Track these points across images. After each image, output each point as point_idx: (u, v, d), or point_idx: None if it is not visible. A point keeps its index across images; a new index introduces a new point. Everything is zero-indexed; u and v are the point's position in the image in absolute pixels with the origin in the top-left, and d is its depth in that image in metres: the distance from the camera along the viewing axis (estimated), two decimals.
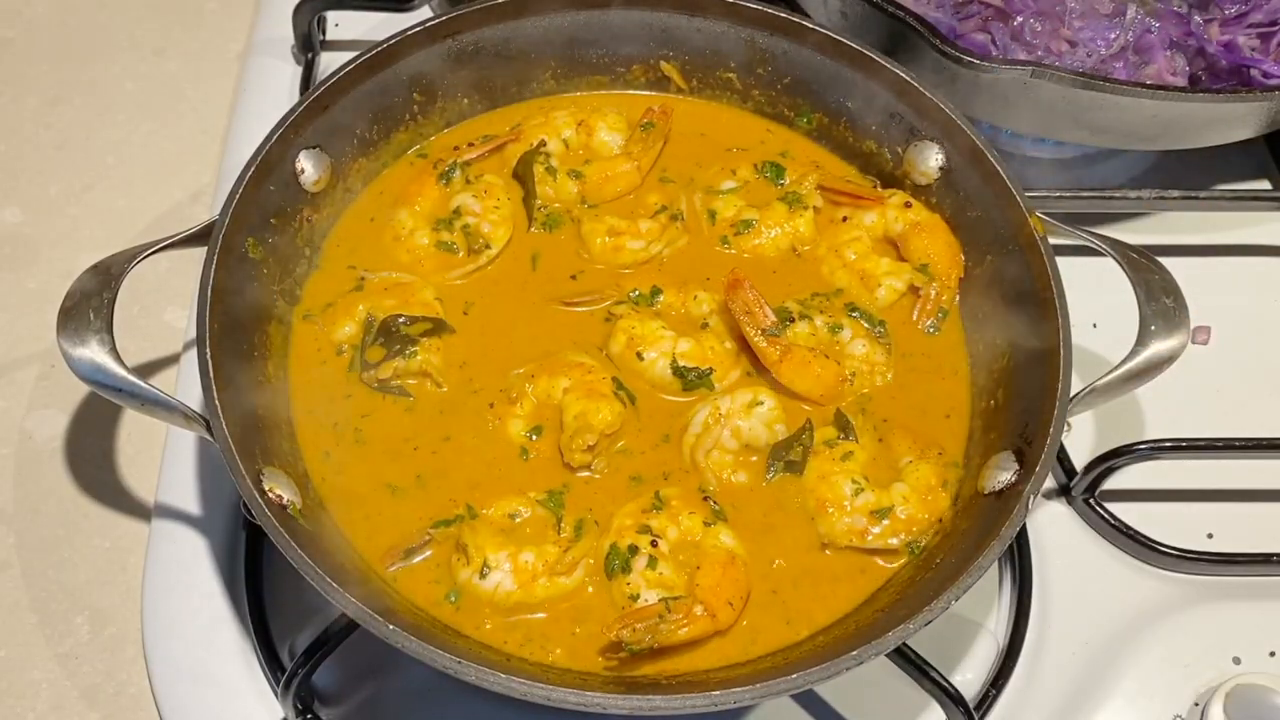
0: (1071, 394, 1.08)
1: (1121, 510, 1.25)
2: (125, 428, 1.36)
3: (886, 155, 1.31)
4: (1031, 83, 1.27)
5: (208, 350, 1.05)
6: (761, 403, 1.14)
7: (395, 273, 1.23)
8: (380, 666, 1.14)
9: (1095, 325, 1.37)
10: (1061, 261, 1.14)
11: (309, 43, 1.58)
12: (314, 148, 1.23)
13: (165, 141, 1.62)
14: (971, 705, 1.08)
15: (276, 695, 1.12)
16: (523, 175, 1.31)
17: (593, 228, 1.26)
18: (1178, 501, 1.29)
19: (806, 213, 1.28)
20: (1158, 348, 1.09)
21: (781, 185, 1.32)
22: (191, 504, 1.23)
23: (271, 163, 1.18)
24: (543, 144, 1.31)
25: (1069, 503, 1.27)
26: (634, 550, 1.06)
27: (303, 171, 1.22)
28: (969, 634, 1.19)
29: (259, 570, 1.18)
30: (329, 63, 1.59)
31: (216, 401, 1.03)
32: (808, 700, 1.15)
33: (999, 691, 1.14)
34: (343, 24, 1.65)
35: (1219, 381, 1.38)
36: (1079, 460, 1.27)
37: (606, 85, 1.39)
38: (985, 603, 1.21)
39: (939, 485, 1.11)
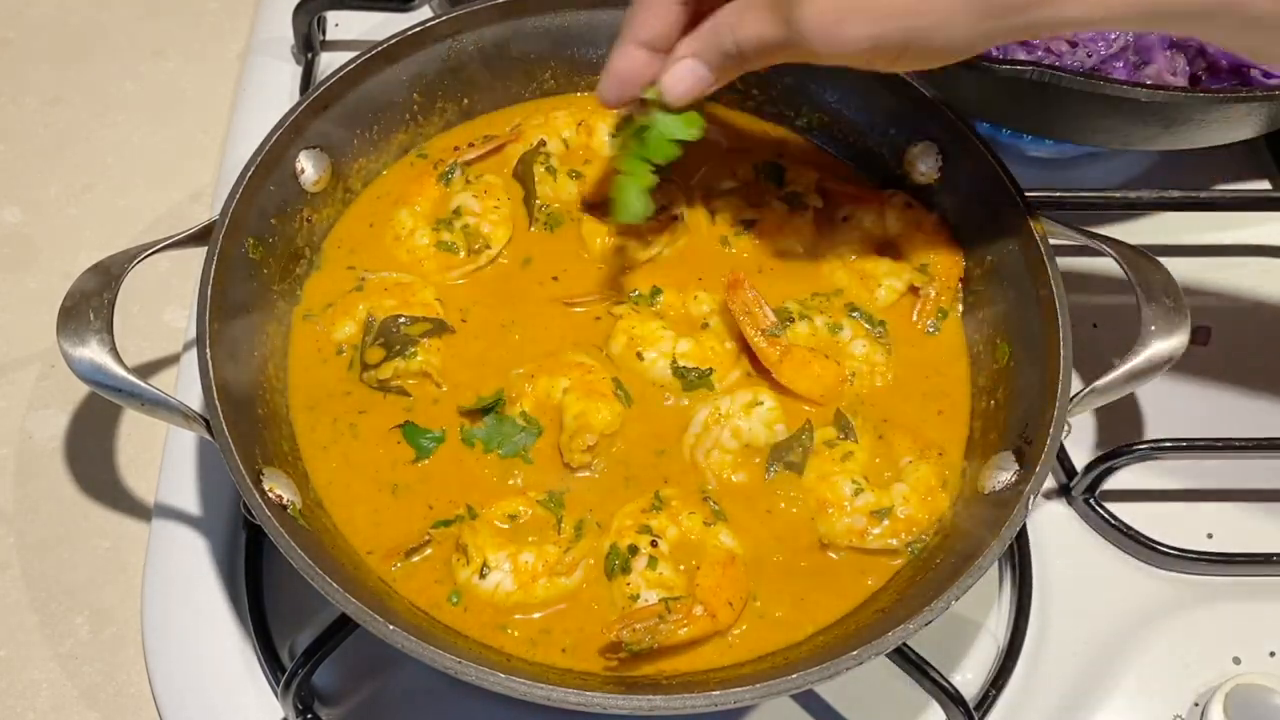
0: (1071, 394, 1.08)
1: (1121, 510, 1.25)
2: (125, 428, 1.36)
3: (886, 155, 1.31)
4: (1031, 83, 1.27)
5: (208, 350, 1.05)
6: (761, 403, 1.14)
7: (395, 273, 1.23)
8: (380, 666, 1.14)
9: (1095, 325, 1.37)
10: (1061, 261, 1.15)
11: (309, 43, 1.58)
12: (314, 148, 1.23)
13: (165, 141, 1.62)
14: (971, 705, 1.08)
15: (276, 695, 1.12)
16: (523, 175, 1.31)
17: (593, 228, 1.26)
18: (1178, 501, 1.29)
19: (806, 212, 1.28)
20: (1158, 348, 1.09)
21: (781, 185, 1.32)
22: (191, 504, 1.23)
23: (271, 163, 1.18)
24: (543, 144, 1.31)
25: (1069, 503, 1.27)
26: (634, 550, 1.06)
27: (303, 171, 1.22)
28: (969, 634, 1.19)
29: (259, 570, 1.18)
30: (329, 63, 1.59)
31: (216, 401, 1.03)
32: (808, 700, 1.15)
33: (999, 691, 1.14)
34: (343, 24, 1.65)
35: (1219, 381, 1.38)
36: (1079, 460, 1.27)
37: None
38: (985, 603, 1.21)
39: (939, 485, 1.11)
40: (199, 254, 1.12)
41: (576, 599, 1.06)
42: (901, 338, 1.23)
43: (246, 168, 1.16)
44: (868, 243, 1.27)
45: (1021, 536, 1.21)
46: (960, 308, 1.25)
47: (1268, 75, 1.38)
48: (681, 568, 1.06)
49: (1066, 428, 1.07)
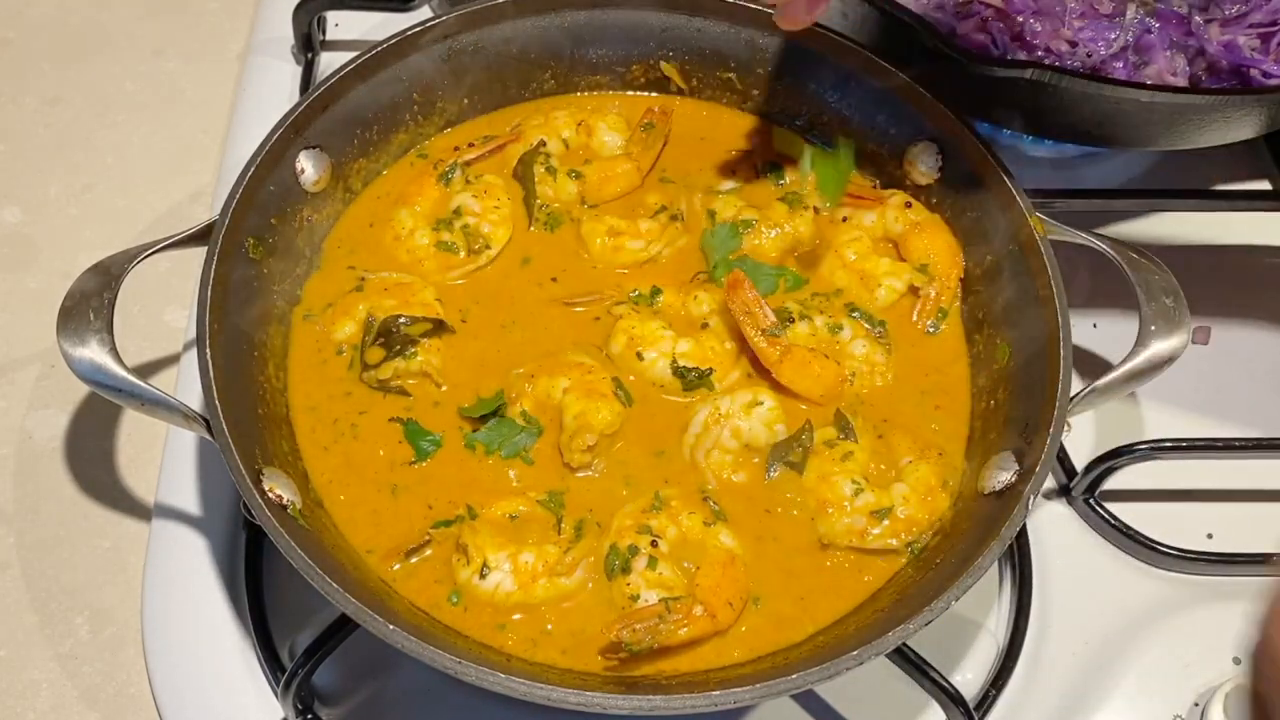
0: (1071, 394, 1.08)
1: (1121, 510, 1.25)
2: (125, 428, 1.36)
3: (886, 155, 1.31)
4: (1031, 83, 1.27)
5: (208, 350, 1.05)
6: (761, 403, 1.14)
7: (395, 273, 1.23)
8: (380, 666, 1.14)
9: (1095, 325, 1.37)
10: (1061, 261, 1.15)
11: (309, 43, 1.58)
12: (314, 148, 1.23)
13: (165, 141, 1.62)
14: (971, 705, 1.08)
15: (276, 695, 1.12)
16: (523, 175, 1.31)
17: (593, 228, 1.26)
18: (1178, 501, 1.28)
19: (806, 213, 1.28)
20: (1158, 348, 1.09)
21: (781, 185, 1.32)
22: (191, 504, 1.23)
23: (271, 163, 1.18)
24: (543, 144, 1.31)
25: (1069, 503, 1.27)
26: (634, 550, 1.06)
27: (303, 171, 1.22)
28: (969, 634, 1.19)
29: (259, 570, 1.18)
30: (329, 63, 1.59)
31: (216, 401, 1.03)
32: (808, 700, 1.15)
33: (999, 691, 1.14)
34: (343, 24, 1.65)
35: (1219, 381, 1.38)
36: (1079, 460, 1.26)
37: (606, 85, 1.40)
38: (985, 603, 1.21)
39: (939, 485, 1.11)
40: (199, 254, 1.12)
41: (576, 599, 1.06)
42: (901, 338, 1.23)
43: (246, 168, 1.16)
44: (868, 243, 1.27)
45: (1021, 536, 1.21)
46: (960, 308, 1.25)
47: (1267, 75, 1.38)
48: (685, 565, 1.06)
49: (1066, 428, 1.07)
